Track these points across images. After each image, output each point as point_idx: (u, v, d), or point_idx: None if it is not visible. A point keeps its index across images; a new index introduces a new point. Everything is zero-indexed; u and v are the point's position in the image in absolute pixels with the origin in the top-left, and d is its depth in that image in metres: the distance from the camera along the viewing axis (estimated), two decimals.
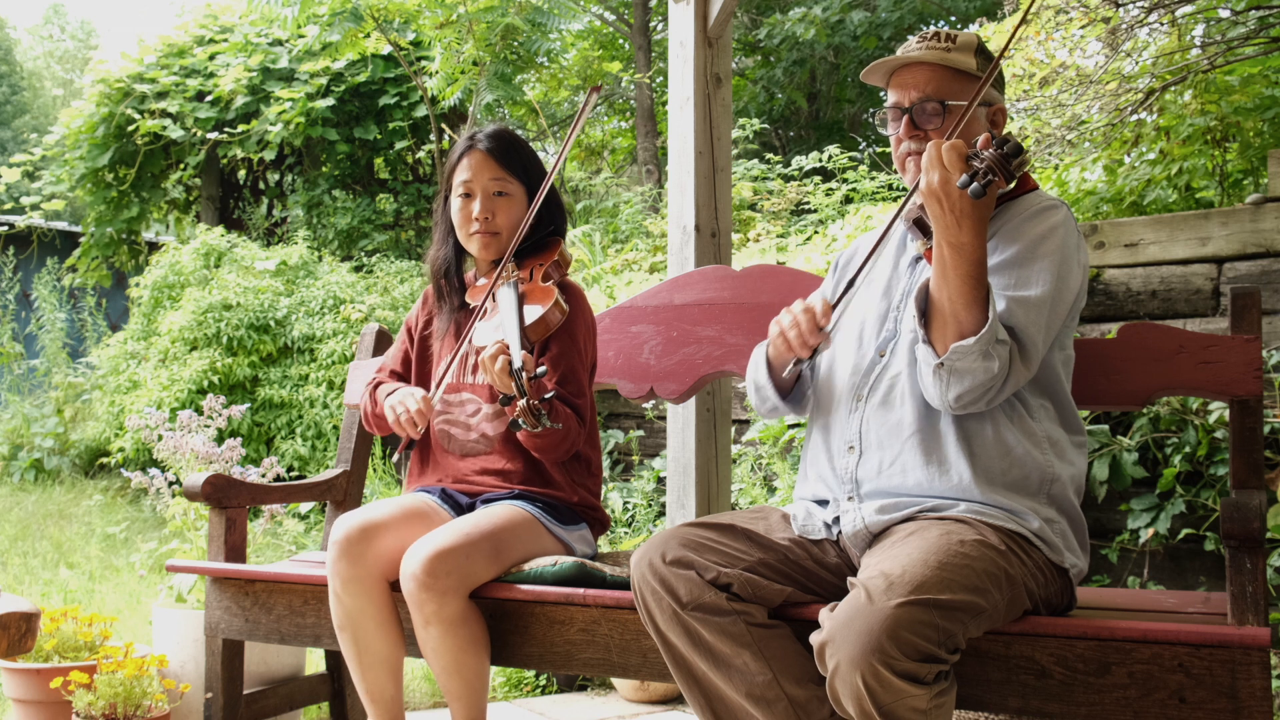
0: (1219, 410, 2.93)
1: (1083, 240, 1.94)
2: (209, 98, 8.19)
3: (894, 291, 2.01)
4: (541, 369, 2.03)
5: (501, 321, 2.21)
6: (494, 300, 2.33)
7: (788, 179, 8.17)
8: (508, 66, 7.01)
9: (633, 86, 11.77)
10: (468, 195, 2.40)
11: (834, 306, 1.90)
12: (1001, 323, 1.77)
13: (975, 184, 1.63)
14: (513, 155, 2.40)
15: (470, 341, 2.38)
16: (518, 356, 2.04)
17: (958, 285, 1.72)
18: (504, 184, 2.39)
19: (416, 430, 2.27)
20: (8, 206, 9.02)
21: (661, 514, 4.55)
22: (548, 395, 2.02)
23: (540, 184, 2.40)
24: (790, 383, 2.11)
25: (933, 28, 2.12)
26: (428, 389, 2.51)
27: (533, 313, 2.24)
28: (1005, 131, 2.03)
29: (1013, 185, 1.99)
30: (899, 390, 1.90)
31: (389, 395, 2.38)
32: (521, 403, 2.00)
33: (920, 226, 1.86)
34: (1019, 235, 1.89)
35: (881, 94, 2.08)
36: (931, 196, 1.70)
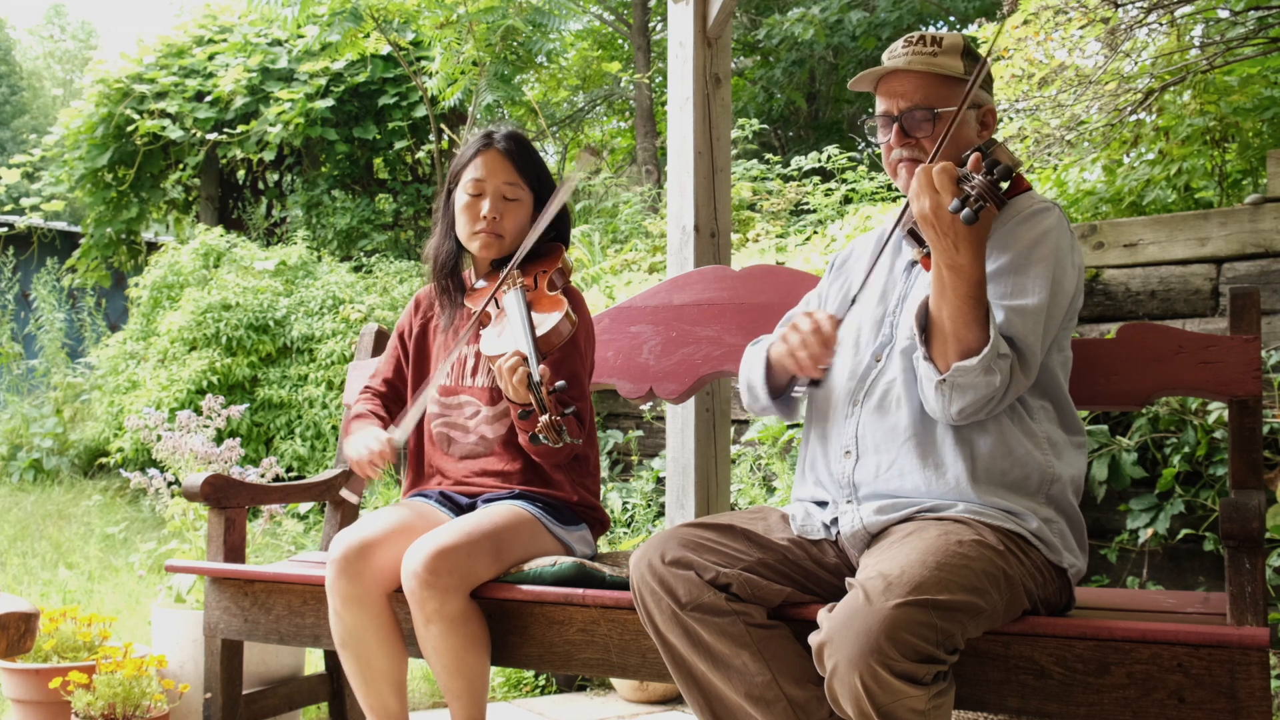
0: (1218, 410, 2.93)
1: (1076, 241, 1.93)
2: (208, 98, 8.19)
3: (890, 297, 2.01)
4: (561, 383, 2.02)
5: (510, 330, 2.19)
6: (498, 306, 2.30)
7: (787, 179, 8.16)
8: (507, 67, 7.01)
9: (632, 87, 11.76)
10: (478, 194, 2.37)
11: (840, 322, 1.89)
12: (1000, 333, 1.77)
13: (967, 210, 1.62)
14: (528, 160, 2.39)
15: (468, 344, 2.37)
16: (536, 370, 2.03)
17: (957, 305, 1.72)
18: (516, 189, 2.37)
19: (377, 473, 2.28)
20: (7, 207, 9.02)
21: (661, 514, 4.55)
22: (568, 410, 2.02)
23: (548, 193, 2.37)
24: (783, 387, 2.11)
25: (918, 32, 2.06)
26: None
27: (543, 322, 2.21)
28: (998, 135, 2.02)
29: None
30: (895, 394, 1.90)
31: (350, 436, 2.35)
32: (544, 418, 2.00)
33: (915, 236, 1.85)
34: (1013, 241, 1.88)
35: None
36: (925, 222, 1.70)
